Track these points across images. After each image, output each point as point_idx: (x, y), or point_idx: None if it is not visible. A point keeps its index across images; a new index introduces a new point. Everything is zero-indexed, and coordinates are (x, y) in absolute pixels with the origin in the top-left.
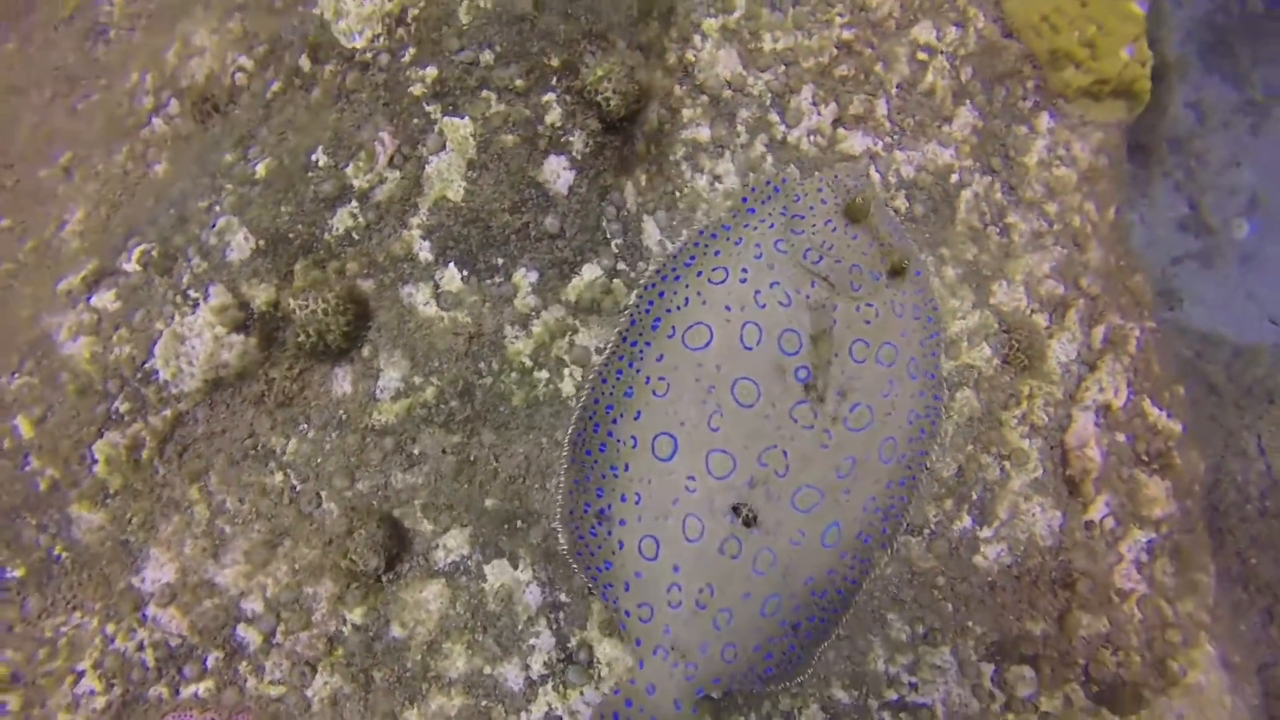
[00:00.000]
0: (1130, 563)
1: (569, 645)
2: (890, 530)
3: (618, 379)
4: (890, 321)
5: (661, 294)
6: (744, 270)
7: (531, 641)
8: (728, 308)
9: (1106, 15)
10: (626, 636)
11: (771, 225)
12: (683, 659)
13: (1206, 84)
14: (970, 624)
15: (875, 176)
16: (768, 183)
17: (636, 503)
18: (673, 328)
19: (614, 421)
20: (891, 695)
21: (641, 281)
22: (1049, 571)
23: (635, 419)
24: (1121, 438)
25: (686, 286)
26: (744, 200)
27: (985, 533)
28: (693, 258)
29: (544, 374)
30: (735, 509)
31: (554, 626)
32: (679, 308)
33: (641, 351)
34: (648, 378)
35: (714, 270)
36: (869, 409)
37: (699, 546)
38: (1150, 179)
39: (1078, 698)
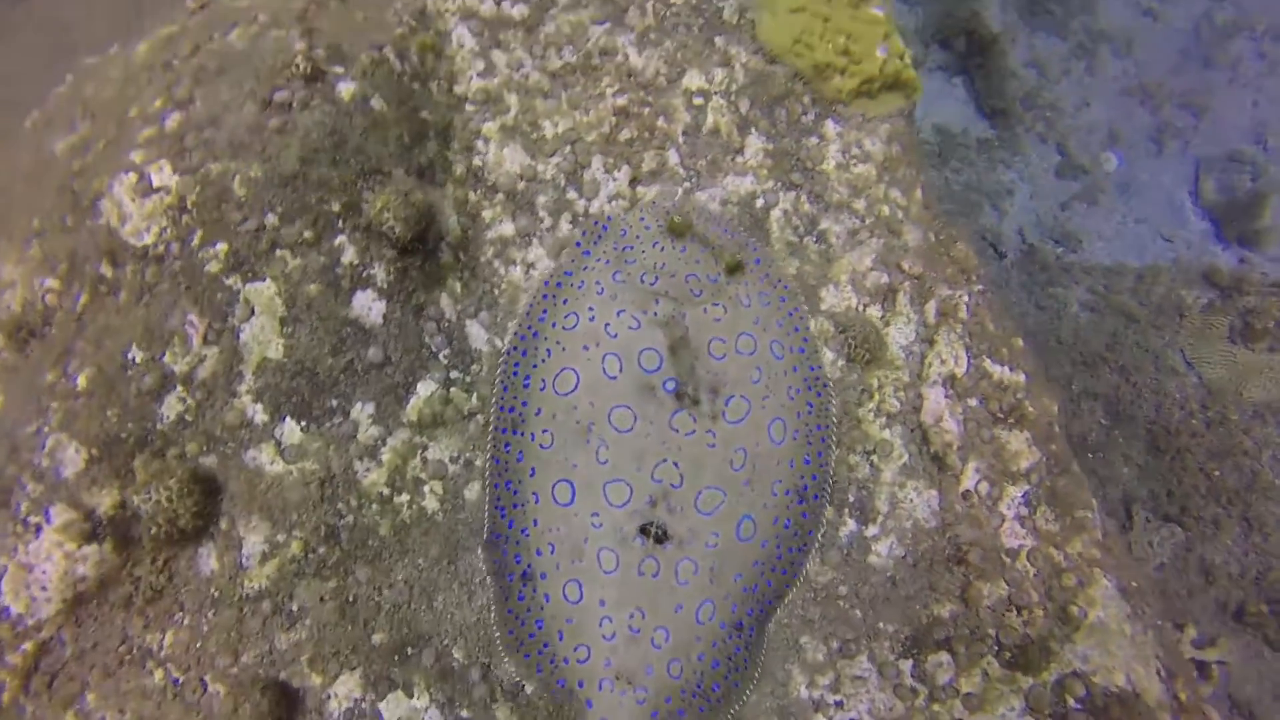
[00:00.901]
0: (1012, 520)
1: None
2: (811, 514)
3: (506, 451)
4: (740, 313)
5: (524, 353)
6: (590, 309)
7: None
8: (585, 347)
9: (851, 25)
10: (569, 685)
11: (607, 262)
12: (630, 685)
13: (1036, 42)
14: (881, 625)
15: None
16: (595, 223)
17: (551, 553)
18: (543, 380)
19: (514, 492)
20: (819, 719)
21: (505, 346)
22: (941, 551)
23: (531, 476)
24: (973, 402)
25: (545, 339)
26: (578, 244)
27: (871, 530)
28: (545, 312)
29: (405, 497)
30: (644, 530)
31: None
32: (543, 361)
33: (522, 414)
34: (532, 434)
35: (565, 317)
36: (744, 399)
37: (618, 576)
38: (1016, 139)
39: (994, 669)
